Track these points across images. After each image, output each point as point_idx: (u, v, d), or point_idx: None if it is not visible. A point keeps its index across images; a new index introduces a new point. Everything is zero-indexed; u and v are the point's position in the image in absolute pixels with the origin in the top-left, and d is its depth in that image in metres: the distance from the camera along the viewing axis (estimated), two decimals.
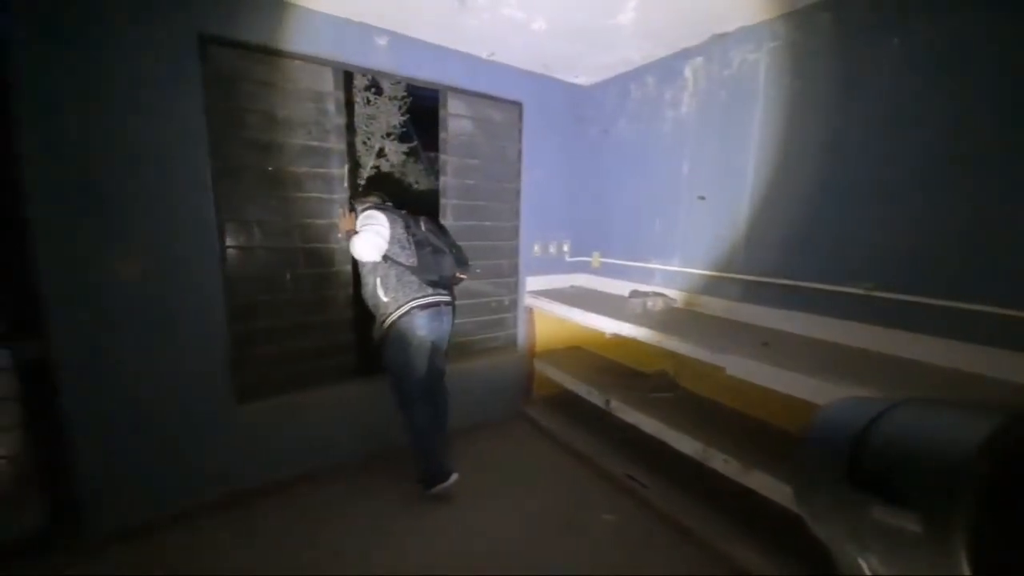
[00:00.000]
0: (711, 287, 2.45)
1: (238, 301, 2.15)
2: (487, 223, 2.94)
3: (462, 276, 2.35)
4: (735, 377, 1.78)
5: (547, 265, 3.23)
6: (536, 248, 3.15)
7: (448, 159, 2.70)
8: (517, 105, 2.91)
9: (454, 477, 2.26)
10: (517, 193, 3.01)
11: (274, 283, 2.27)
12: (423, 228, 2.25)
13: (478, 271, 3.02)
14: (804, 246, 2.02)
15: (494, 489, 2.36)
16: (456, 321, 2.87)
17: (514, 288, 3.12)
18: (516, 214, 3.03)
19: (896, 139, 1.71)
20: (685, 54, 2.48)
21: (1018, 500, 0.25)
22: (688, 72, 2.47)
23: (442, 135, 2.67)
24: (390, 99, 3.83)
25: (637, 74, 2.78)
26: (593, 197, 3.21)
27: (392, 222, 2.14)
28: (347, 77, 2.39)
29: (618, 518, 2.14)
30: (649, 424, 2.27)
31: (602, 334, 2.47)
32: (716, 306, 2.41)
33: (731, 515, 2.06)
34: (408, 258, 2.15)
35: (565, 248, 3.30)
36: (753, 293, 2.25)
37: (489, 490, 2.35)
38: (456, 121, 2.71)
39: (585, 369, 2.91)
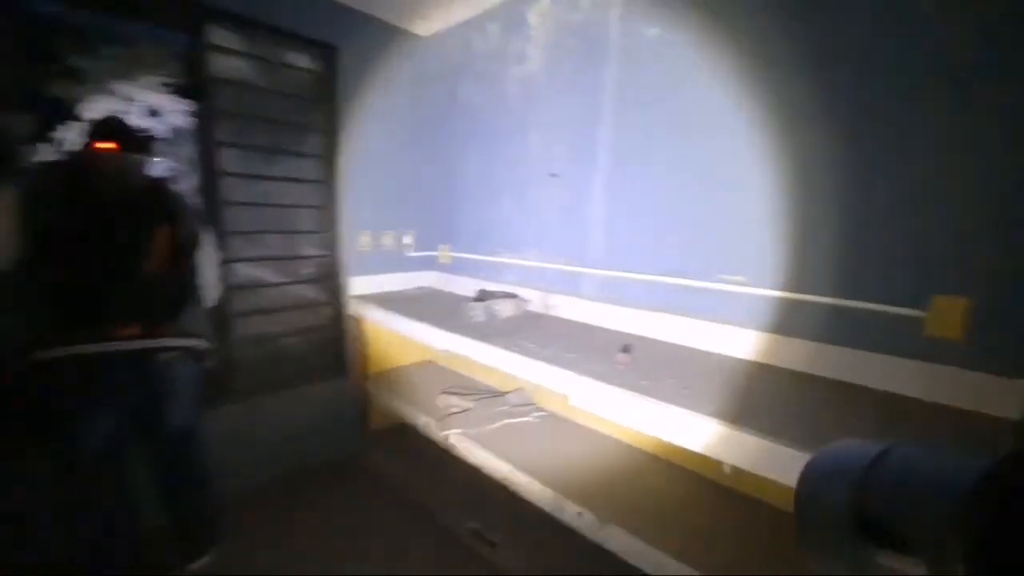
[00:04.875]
0: (569, 285, 2.00)
1: None
2: (287, 205, 2.18)
3: (181, 306, 1.41)
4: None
5: (383, 262, 2.56)
6: (365, 240, 2.45)
7: (216, 113, 1.88)
8: (330, 49, 2.19)
9: None
10: (335, 168, 2.29)
11: None
12: (112, 213, 1.26)
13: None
14: (667, 235, 1.64)
15: (297, 567, 1.65)
16: (264, 332, 2.09)
17: (337, 292, 2.40)
18: (333, 195, 2.31)
19: (783, 101, 1.37)
20: None
21: (1017, 541, 0.23)
22: (533, 18, 1.98)
23: (200, 77, 1.84)
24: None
25: (480, 22, 2.24)
26: (441, 177, 2.61)
27: (34, 197, 1.20)
28: None
29: None
30: (493, 465, 1.75)
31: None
32: (574, 307, 1.97)
33: None
34: (54, 270, 1.21)
35: (406, 240, 2.66)
36: (613, 291, 1.84)
37: (290, 567, 1.64)
38: (225, 60, 1.91)
39: (429, 392, 2.30)
